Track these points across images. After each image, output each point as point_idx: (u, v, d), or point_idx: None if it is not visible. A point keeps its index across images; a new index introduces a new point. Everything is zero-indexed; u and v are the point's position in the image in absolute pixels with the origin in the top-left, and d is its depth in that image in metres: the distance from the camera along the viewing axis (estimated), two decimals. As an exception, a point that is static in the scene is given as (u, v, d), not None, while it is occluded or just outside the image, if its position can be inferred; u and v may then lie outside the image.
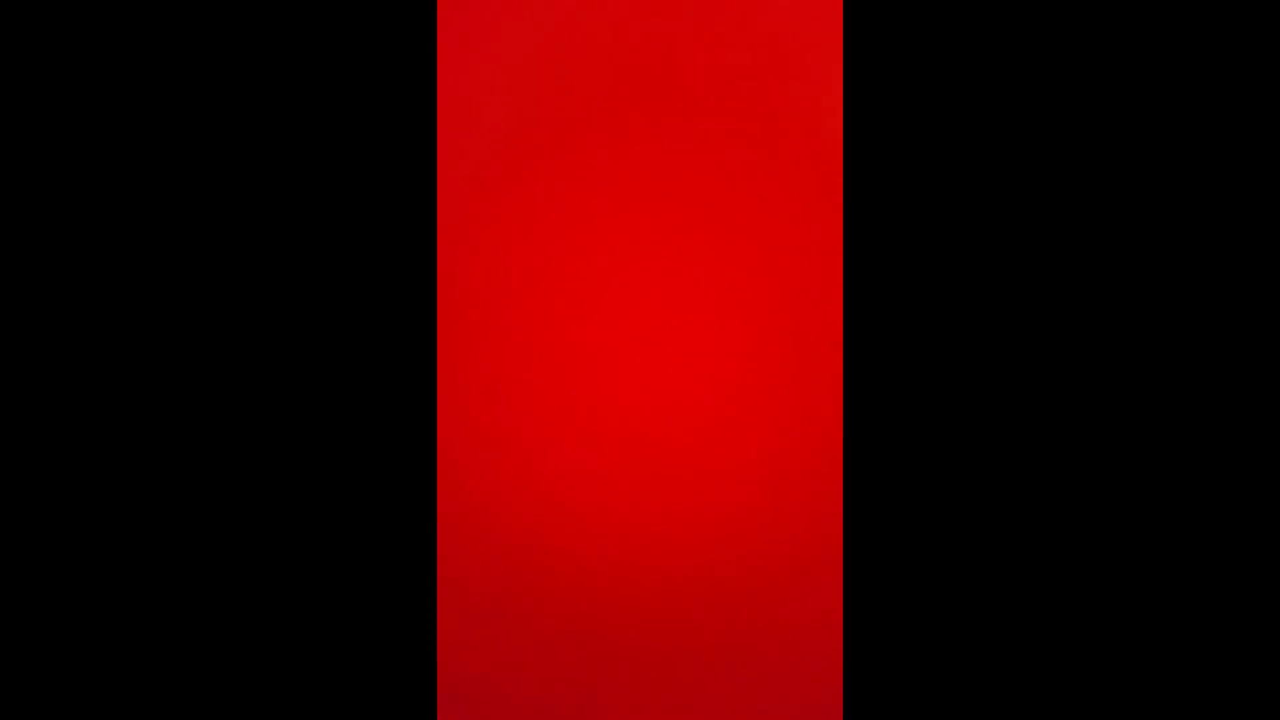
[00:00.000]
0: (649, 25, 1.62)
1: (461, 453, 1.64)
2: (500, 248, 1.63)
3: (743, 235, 1.60)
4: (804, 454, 1.61)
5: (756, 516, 1.62)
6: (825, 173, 1.61)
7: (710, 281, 1.61)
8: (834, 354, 1.61)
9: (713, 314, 1.61)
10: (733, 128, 1.61)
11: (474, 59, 1.64)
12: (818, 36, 1.60)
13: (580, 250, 1.62)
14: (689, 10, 1.62)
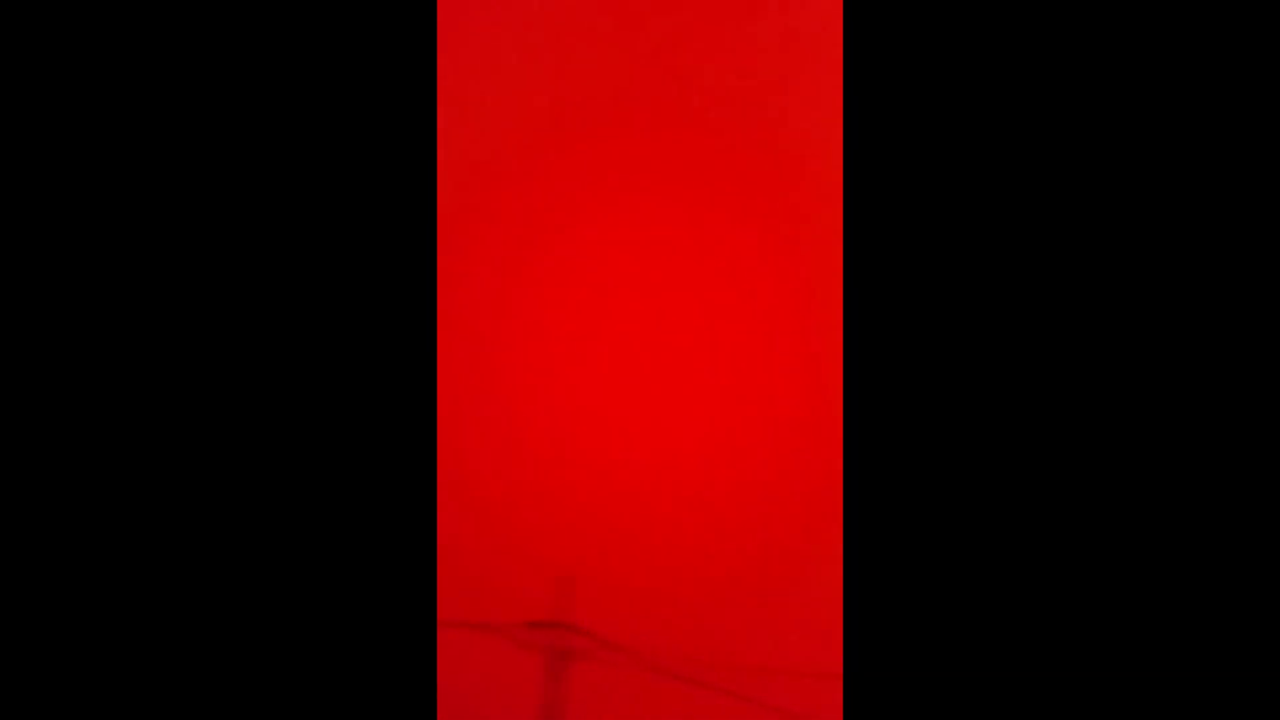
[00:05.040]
0: (649, 26, 1.62)
1: (461, 452, 1.64)
2: (500, 247, 1.63)
3: (742, 234, 1.60)
4: (805, 453, 1.61)
5: (758, 513, 1.62)
6: (826, 172, 1.61)
7: (710, 279, 1.61)
8: (834, 350, 1.61)
9: (712, 311, 1.61)
10: (733, 128, 1.61)
11: (474, 59, 1.64)
12: (818, 36, 1.60)
13: (580, 249, 1.62)
14: (689, 10, 1.62)
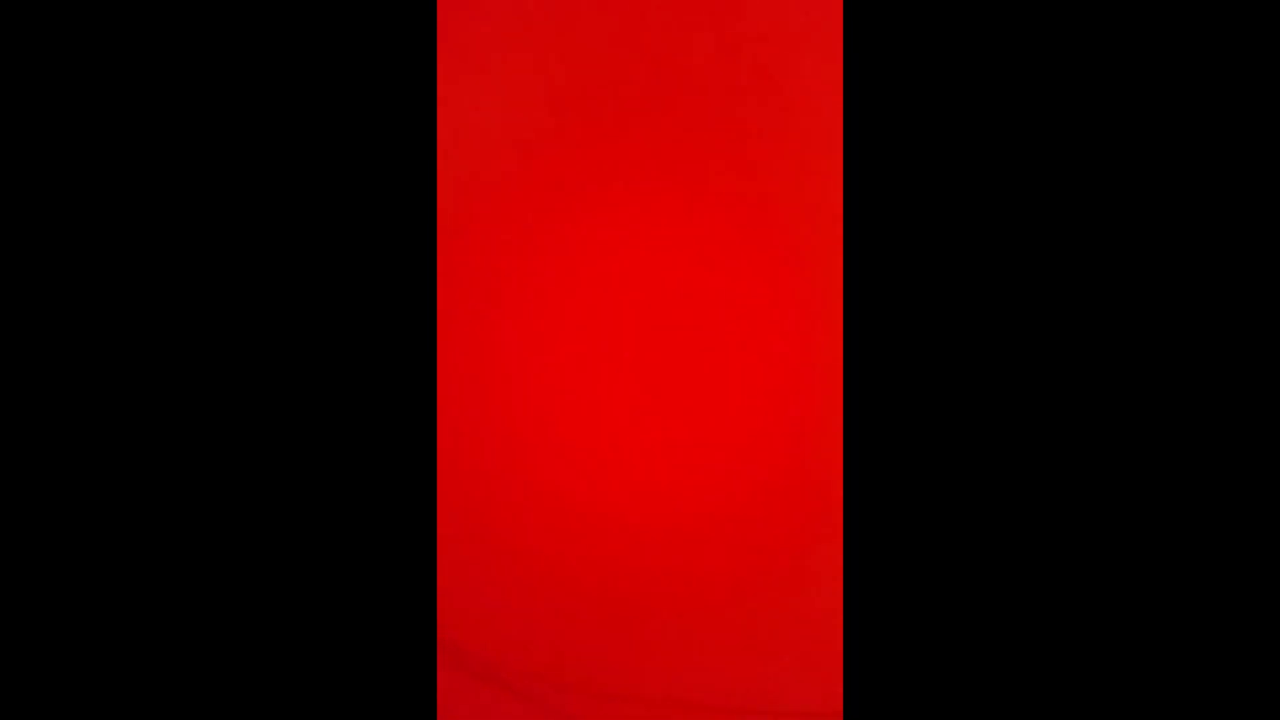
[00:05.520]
0: (649, 26, 1.62)
1: (461, 453, 1.64)
2: (500, 248, 1.63)
3: (742, 235, 1.60)
4: (804, 454, 1.61)
5: (757, 514, 1.62)
6: (825, 173, 1.61)
7: (709, 280, 1.61)
8: (834, 350, 1.61)
9: (712, 312, 1.61)
10: (732, 128, 1.61)
11: (474, 59, 1.64)
12: (818, 36, 1.60)
13: (580, 250, 1.62)
14: (689, 10, 1.62)
